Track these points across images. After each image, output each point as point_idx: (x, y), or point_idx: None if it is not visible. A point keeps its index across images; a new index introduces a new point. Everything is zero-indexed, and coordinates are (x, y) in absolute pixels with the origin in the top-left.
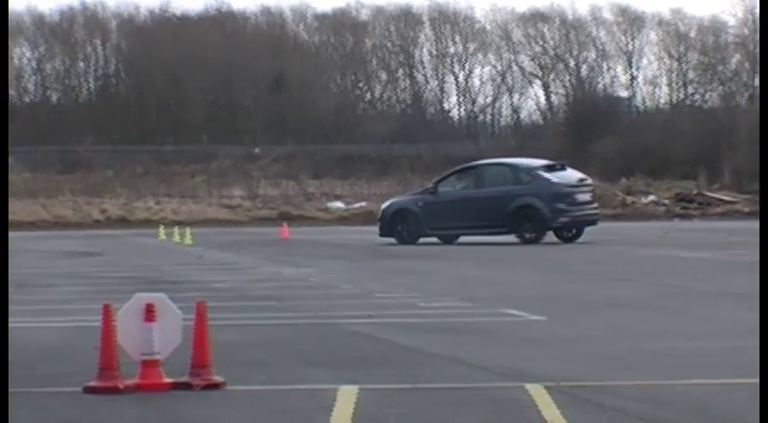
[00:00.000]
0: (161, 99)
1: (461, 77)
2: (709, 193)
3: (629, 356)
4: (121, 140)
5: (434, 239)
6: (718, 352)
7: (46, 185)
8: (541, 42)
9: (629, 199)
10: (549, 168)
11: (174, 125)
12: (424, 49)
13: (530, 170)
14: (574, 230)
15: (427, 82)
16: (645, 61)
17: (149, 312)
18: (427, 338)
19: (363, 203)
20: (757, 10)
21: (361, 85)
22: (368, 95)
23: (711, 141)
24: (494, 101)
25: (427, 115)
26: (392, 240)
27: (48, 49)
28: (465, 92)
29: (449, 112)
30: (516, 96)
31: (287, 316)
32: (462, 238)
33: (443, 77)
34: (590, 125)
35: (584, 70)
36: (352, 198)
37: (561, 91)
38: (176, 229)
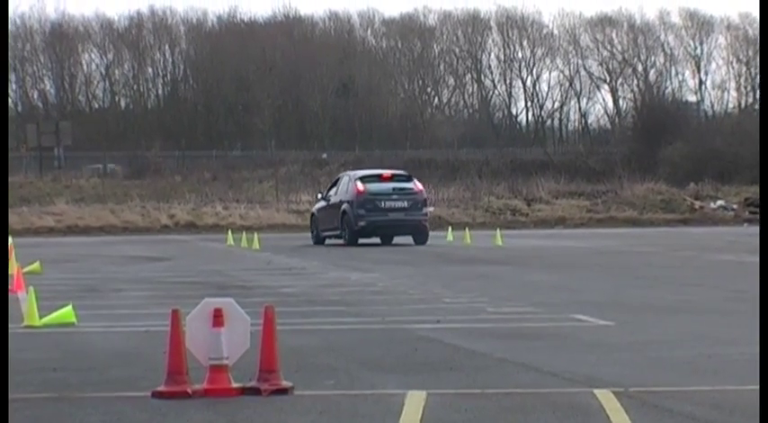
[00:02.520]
0: (229, 104)
1: (529, 82)
2: None
3: (699, 362)
4: (189, 146)
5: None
6: None
7: (115, 191)
8: (609, 47)
9: (698, 204)
10: (379, 177)
11: (242, 130)
12: (492, 54)
13: (353, 179)
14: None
15: (495, 87)
16: (713, 65)
17: (217, 317)
18: (495, 344)
19: (430, 208)
20: None
21: (428, 90)
22: (435, 100)
23: None
24: (561, 105)
25: (495, 120)
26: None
27: (116, 55)
28: (533, 97)
29: (516, 116)
30: (584, 101)
31: (355, 321)
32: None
33: (511, 82)
34: (658, 130)
35: (652, 75)
36: None
37: (629, 95)
38: (244, 235)
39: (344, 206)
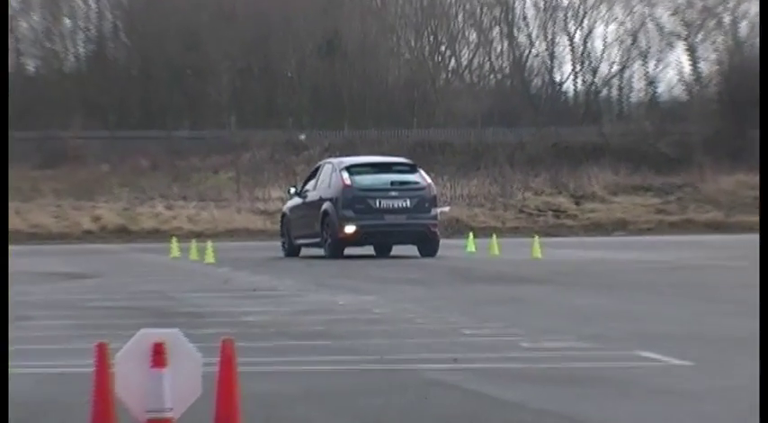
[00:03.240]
0: (173, 68)
1: (578, 39)
2: None
3: None
4: (120, 124)
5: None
6: None
7: (19, 184)
8: None
9: None
10: (372, 167)
11: (191, 103)
12: (528, 1)
13: (338, 170)
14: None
15: (532, 45)
16: None
17: (158, 354)
18: (533, 390)
19: (446, 208)
20: None
21: (442, 48)
22: (452, 63)
23: None
24: (622, 70)
25: (532, 89)
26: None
27: (23, 2)
28: (583, 58)
29: (561, 84)
30: (652, 64)
31: (343, 360)
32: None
33: (554, 39)
34: (751, 102)
35: (743, 28)
36: None
37: (712, 57)
38: (193, 243)
39: (326, 205)
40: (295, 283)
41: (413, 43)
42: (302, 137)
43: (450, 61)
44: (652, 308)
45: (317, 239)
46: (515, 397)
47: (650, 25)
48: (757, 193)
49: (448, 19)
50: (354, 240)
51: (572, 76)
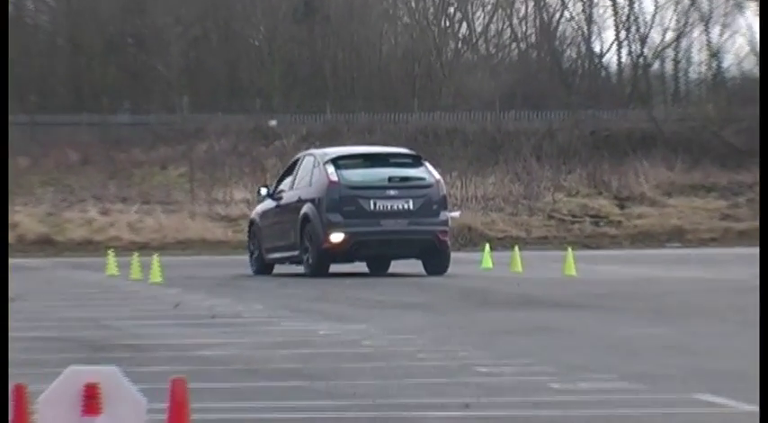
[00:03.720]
0: (109, 38)
1: (623, 0)
2: None
3: None
4: (44, 107)
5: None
6: None
7: None
8: None
9: None
10: (365, 160)
11: (133, 81)
12: None
13: (321, 163)
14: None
15: (565, 6)
16: None
17: (91, 398)
18: None
19: (455, 214)
20: None
21: (451, 11)
22: (463, 30)
23: None
24: (677, 39)
25: (565, 63)
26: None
27: None
28: (629, 24)
29: (601, 57)
30: (716, 32)
31: (325, 406)
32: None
33: (590, 3)
34: None
35: None
36: None
37: None
38: (135, 257)
39: (306, 208)
40: (264, 308)
41: (413, 4)
42: (273, 123)
43: (460, 27)
44: (714, 340)
45: (295, 252)
46: None
47: None
48: None
49: None
50: (342, 252)
51: (615, 47)
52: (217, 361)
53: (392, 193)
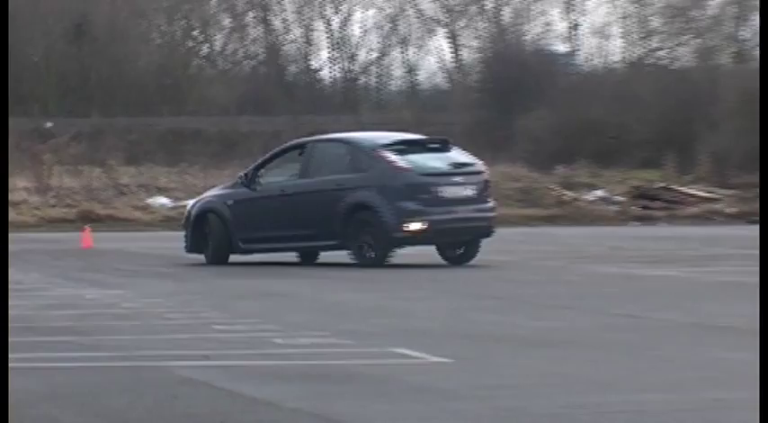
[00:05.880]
0: None
1: (336, 25)
2: (679, 188)
3: (567, 414)
4: None
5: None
6: (691, 408)
7: None
8: None
9: (569, 195)
10: (409, 146)
11: None
12: None
13: (372, 149)
14: (462, 247)
15: (288, 30)
16: (591, 4)
17: None
18: (287, 389)
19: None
20: None
21: (195, 33)
22: (205, 49)
23: (683, 115)
24: (381, 57)
25: (288, 76)
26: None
27: None
28: (340, 44)
29: (318, 71)
30: (412, 51)
31: (90, 356)
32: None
33: (311, 24)
34: (514, 91)
35: (506, 15)
36: (183, 192)
37: (474, 44)
38: None
39: (361, 196)
40: (40, 276)
41: (164, 28)
42: (49, 125)
43: (202, 47)
44: (409, 304)
45: (330, 242)
46: (269, 396)
47: (410, 11)
48: (521, 184)
49: (201, 3)
50: (420, 240)
51: (329, 64)
52: None
53: (458, 179)
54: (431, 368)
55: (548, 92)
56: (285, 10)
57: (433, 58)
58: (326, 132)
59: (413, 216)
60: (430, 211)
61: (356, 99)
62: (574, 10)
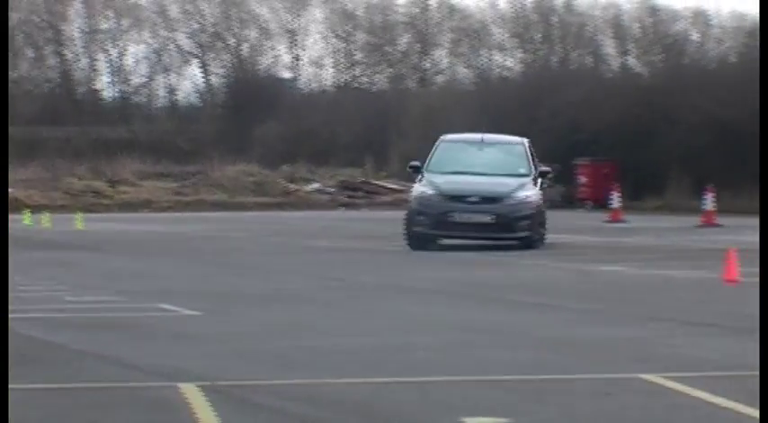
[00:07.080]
0: None
1: (115, 55)
2: (375, 182)
3: (289, 354)
4: None
5: None
6: (383, 349)
7: None
8: (200, 19)
9: (292, 187)
10: None
11: None
12: (75, 25)
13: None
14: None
15: (78, 60)
16: (310, 40)
17: None
18: (74, 335)
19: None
20: None
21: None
22: (15, 74)
23: (379, 126)
24: (149, 81)
25: (77, 96)
26: None
27: None
28: (118, 71)
29: (100, 92)
30: (173, 76)
31: None
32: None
33: (95, 55)
34: (251, 108)
35: (245, 49)
36: None
37: (221, 71)
38: None
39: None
40: None
41: None
42: None
43: (13, 73)
44: (171, 269)
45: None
46: (60, 340)
47: (171, 46)
48: (255, 179)
49: (11, 38)
50: None
51: (110, 86)
52: None
53: None
54: (186, 319)
55: (276, 108)
56: (75, 45)
57: (189, 82)
58: (106, 140)
59: None
60: None
61: (130, 113)
62: (296, 45)
